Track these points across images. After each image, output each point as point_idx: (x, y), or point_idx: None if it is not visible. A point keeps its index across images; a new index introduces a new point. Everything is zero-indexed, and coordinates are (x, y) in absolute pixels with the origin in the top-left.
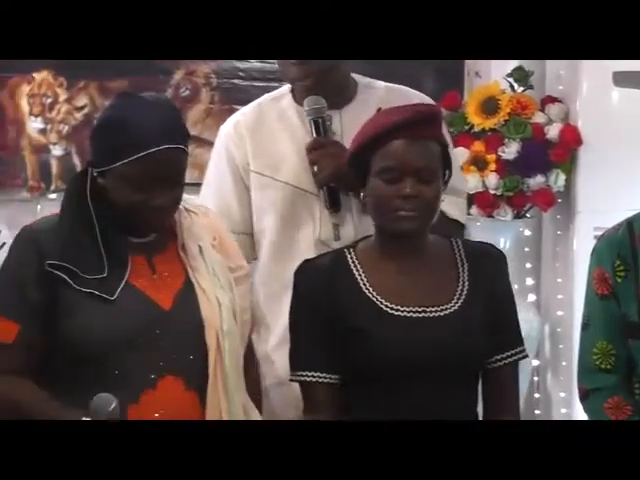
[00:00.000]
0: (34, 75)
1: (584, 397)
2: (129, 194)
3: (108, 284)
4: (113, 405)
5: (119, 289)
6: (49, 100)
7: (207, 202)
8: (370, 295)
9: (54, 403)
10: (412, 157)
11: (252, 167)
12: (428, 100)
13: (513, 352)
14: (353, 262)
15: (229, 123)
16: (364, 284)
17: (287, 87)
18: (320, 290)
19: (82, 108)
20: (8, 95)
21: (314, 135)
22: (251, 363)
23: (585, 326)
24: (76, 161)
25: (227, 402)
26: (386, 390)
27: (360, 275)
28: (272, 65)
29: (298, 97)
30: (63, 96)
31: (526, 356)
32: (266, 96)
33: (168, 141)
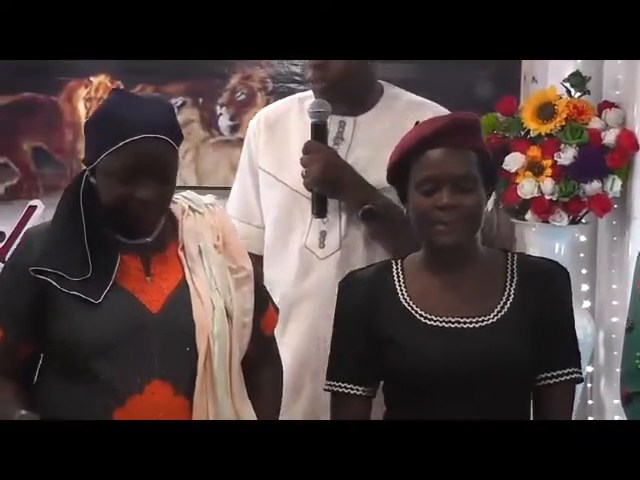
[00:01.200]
0: (91, 79)
1: (627, 401)
2: (114, 187)
3: (95, 287)
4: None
5: (105, 292)
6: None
7: (233, 191)
8: (406, 304)
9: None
10: (448, 166)
11: (259, 163)
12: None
13: (564, 372)
14: (397, 273)
15: (255, 116)
16: (402, 294)
17: None
18: (361, 302)
19: None
20: (66, 98)
21: (312, 139)
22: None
23: (629, 329)
24: None
25: (215, 407)
26: (420, 400)
27: (400, 285)
28: None
29: (315, 97)
30: None
31: (580, 380)
32: (297, 94)
33: (149, 131)
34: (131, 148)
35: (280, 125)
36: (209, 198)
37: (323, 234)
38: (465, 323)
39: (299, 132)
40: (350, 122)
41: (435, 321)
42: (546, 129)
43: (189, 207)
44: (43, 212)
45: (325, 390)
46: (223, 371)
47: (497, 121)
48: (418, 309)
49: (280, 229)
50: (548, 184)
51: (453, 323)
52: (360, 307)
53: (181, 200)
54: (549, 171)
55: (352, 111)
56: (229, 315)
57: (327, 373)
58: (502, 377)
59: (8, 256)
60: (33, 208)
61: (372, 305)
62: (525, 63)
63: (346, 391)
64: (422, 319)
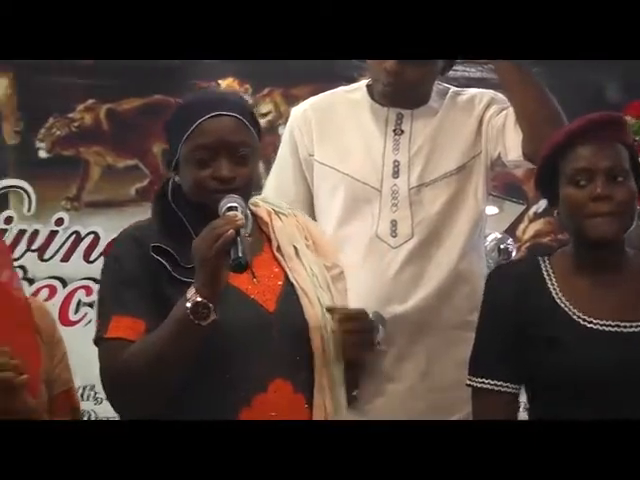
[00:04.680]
0: (219, 81)
1: None
2: (192, 172)
3: None
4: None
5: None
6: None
7: (269, 183)
8: (563, 305)
9: (161, 325)
10: (600, 157)
11: (316, 156)
12: (501, 97)
13: None
14: (547, 271)
15: (299, 108)
16: (557, 293)
17: (363, 82)
18: (510, 298)
19: (266, 114)
20: None
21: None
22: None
23: None
24: (259, 166)
25: (332, 405)
26: (569, 400)
27: (553, 284)
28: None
29: (375, 92)
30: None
31: None
32: (340, 88)
33: (218, 109)
34: (202, 128)
35: (331, 117)
36: (284, 202)
37: (394, 223)
38: (625, 327)
39: (354, 123)
40: (407, 114)
41: (595, 324)
42: None
43: (273, 210)
44: None
45: (468, 385)
46: (338, 369)
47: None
48: (576, 311)
49: (344, 219)
50: None
51: (613, 327)
52: (511, 304)
53: (262, 204)
54: None
55: (408, 104)
56: None
57: (470, 368)
58: None
59: (113, 253)
60: None
61: (522, 300)
62: None
63: (494, 388)
64: (581, 321)
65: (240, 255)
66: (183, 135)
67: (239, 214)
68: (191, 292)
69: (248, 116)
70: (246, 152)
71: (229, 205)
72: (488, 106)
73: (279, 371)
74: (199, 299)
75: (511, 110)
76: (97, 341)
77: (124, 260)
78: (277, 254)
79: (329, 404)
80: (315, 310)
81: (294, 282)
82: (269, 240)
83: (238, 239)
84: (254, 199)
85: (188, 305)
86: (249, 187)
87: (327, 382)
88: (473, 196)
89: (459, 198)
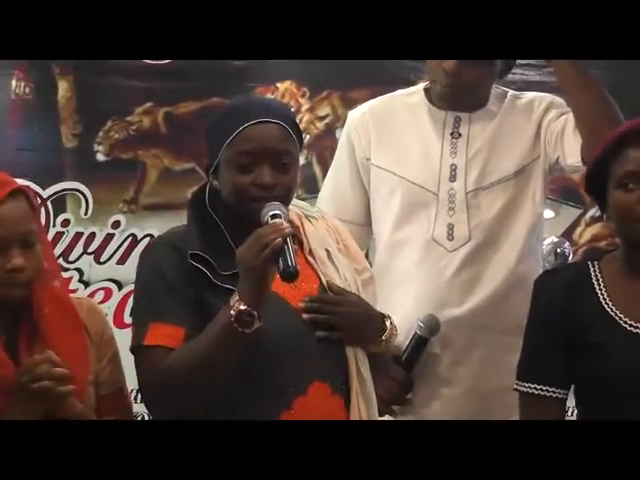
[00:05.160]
0: (277, 85)
1: None
2: (233, 177)
3: None
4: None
5: None
6: (292, 109)
7: (326, 186)
8: (609, 310)
9: (204, 332)
10: None
11: (373, 160)
12: (560, 101)
13: None
14: (596, 276)
15: (357, 111)
16: (604, 299)
17: (421, 85)
18: (560, 303)
19: (324, 118)
20: None
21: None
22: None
23: None
24: (317, 170)
25: (366, 405)
26: (616, 405)
27: (601, 289)
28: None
29: (433, 95)
30: (306, 106)
31: None
32: (398, 91)
33: (263, 116)
34: (246, 134)
35: (388, 121)
36: (311, 205)
37: (451, 226)
38: None
39: (412, 127)
40: (465, 118)
41: None
42: None
43: (303, 214)
44: None
45: (515, 390)
46: (366, 368)
47: None
48: (623, 316)
49: (401, 222)
50: None
51: None
52: (558, 309)
53: (292, 208)
54: None
55: (466, 107)
56: None
57: (518, 373)
58: None
59: (149, 261)
60: None
61: (572, 308)
62: None
63: (540, 393)
64: (628, 327)
65: (290, 264)
66: (225, 140)
67: (285, 222)
68: (234, 300)
69: (291, 124)
70: (288, 161)
71: (273, 212)
72: (547, 110)
73: (317, 374)
74: (243, 307)
75: (571, 115)
76: (134, 349)
77: (161, 267)
78: (309, 257)
79: (362, 404)
80: None
81: (327, 288)
82: (301, 244)
83: (286, 248)
84: None
85: (232, 313)
86: (289, 196)
87: (360, 385)
88: (531, 200)
89: (517, 202)
